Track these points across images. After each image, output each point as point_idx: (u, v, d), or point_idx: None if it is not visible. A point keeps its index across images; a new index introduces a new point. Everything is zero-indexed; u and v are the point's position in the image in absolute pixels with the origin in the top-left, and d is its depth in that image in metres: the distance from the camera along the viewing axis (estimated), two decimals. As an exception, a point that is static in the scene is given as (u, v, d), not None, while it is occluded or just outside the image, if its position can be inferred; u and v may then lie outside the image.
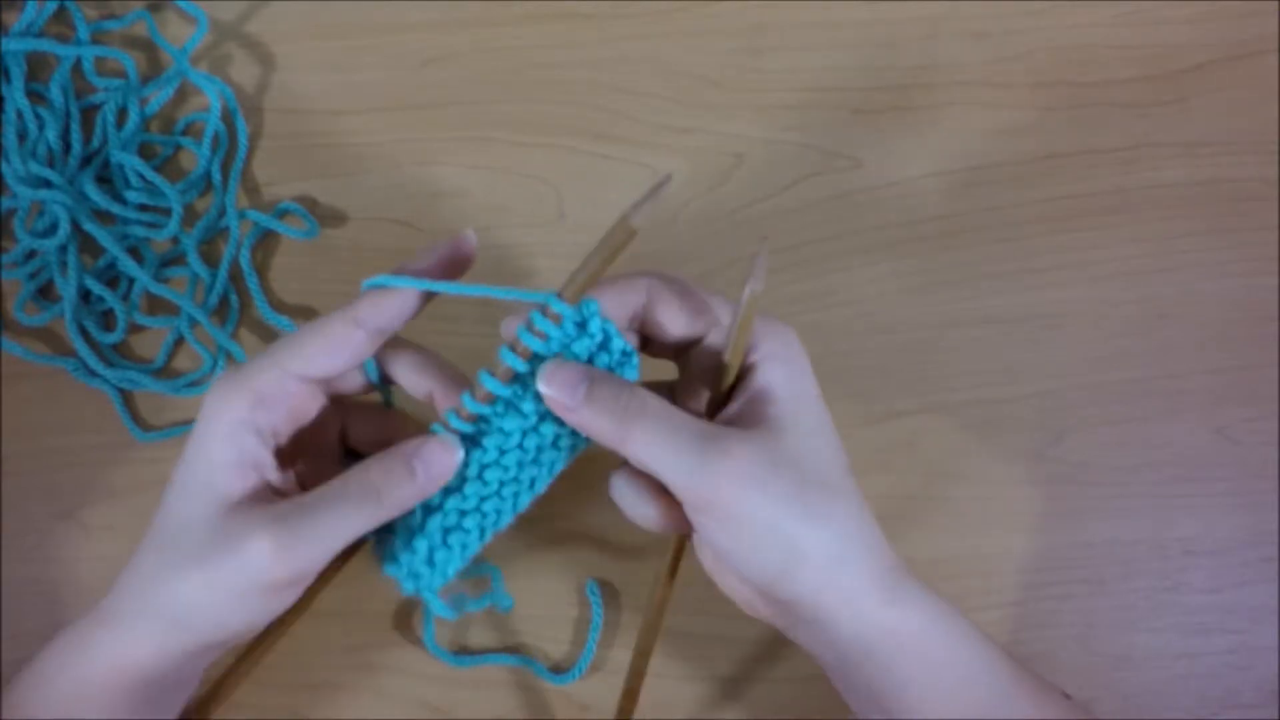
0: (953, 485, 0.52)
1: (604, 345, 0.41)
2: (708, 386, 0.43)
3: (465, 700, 0.51)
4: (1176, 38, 0.57)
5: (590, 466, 0.50)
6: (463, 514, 0.42)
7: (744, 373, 0.42)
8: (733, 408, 0.42)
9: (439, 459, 0.40)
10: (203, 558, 0.39)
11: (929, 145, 0.56)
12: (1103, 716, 0.48)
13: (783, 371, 0.41)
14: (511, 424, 0.41)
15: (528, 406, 0.41)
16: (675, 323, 0.42)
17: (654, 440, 0.39)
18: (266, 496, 0.40)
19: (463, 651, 0.51)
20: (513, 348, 0.41)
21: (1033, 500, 0.52)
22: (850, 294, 0.54)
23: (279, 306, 0.55)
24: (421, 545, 0.42)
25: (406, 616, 0.51)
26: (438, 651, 0.50)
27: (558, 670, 0.51)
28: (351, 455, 0.45)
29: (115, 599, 0.41)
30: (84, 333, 0.54)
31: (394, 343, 0.43)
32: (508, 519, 0.42)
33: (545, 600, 0.51)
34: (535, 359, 0.40)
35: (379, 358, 0.43)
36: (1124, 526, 0.52)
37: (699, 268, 0.54)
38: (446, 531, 0.42)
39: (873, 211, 0.55)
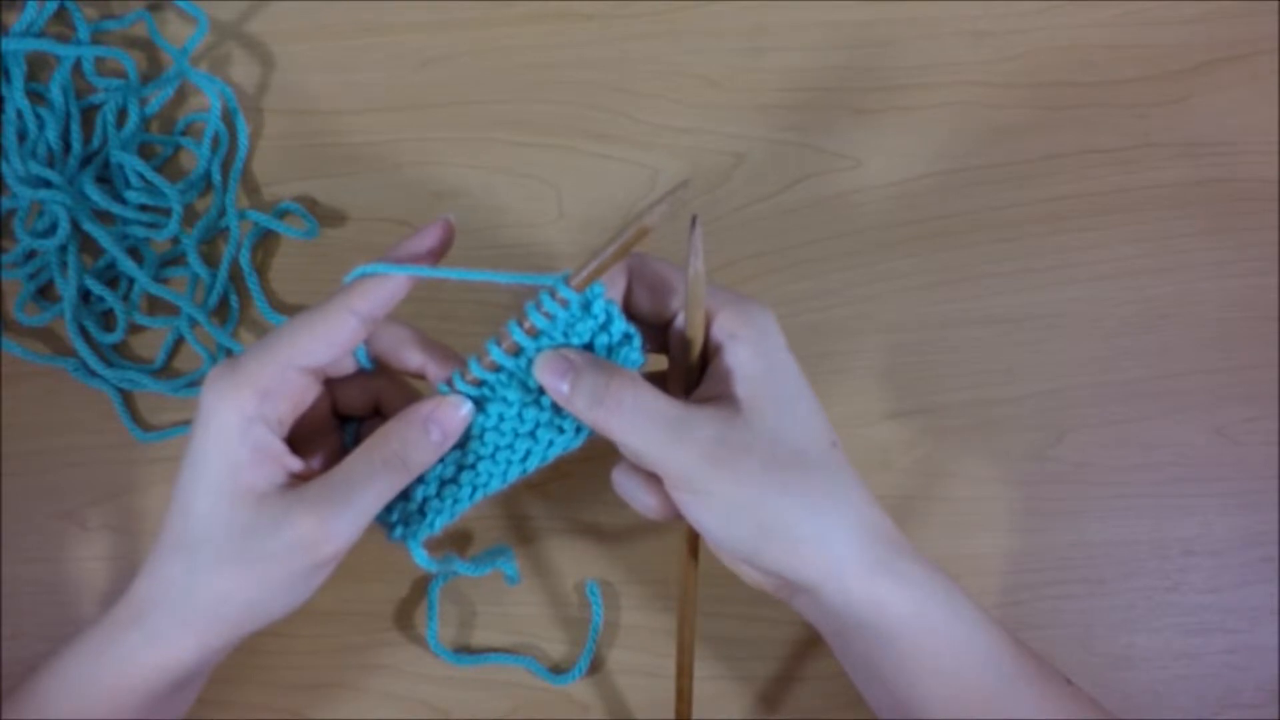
0: (953, 485, 0.52)
1: (605, 327, 0.42)
2: (682, 368, 0.43)
3: (465, 700, 0.51)
4: (1176, 38, 0.56)
5: (590, 467, 0.50)
6: (460, 469, 0.44)
7: (713, 352, 0.42)
8: (705, 387, 0.42)
9: (450, 417, 0.43)
10: (244, 552, 0.40)
11: (929, 145, 0.56)
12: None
13: (748, 348, 0.41)
14: (514, 395, 0.43)
15: (532, 382, 0.42)
16: (641, 301, 0.43)
17: (630, 425, 0.40)
18: (289, 484, 0.42)
19: (463, 651, 0.51)
20: (520, 324, 0.41)
21: (1033, 500, 0.52)
22: (850, 294, 0.54)
23: (279, 306, 0.55)
24: (419, 493, 0.44)
25: (407, 616, 0.51)
26: (440, 650, 0.50)
27: (558, 670, 0.51)
28: (343, 419, 0.46)
29: (140, 603, 0.42)
30: (84, 333, 0.54)
31: (382, 321, 0.44)
32: (496, 485, 0.44)
33: (545, 600, 0.52)
34: (541, 336, 0.42)
35: (370, 334, 0.44)
36: (1124, 526, 0.52)
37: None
38: (443, 483, 0.44)
39: (873, 211, 0.55)
